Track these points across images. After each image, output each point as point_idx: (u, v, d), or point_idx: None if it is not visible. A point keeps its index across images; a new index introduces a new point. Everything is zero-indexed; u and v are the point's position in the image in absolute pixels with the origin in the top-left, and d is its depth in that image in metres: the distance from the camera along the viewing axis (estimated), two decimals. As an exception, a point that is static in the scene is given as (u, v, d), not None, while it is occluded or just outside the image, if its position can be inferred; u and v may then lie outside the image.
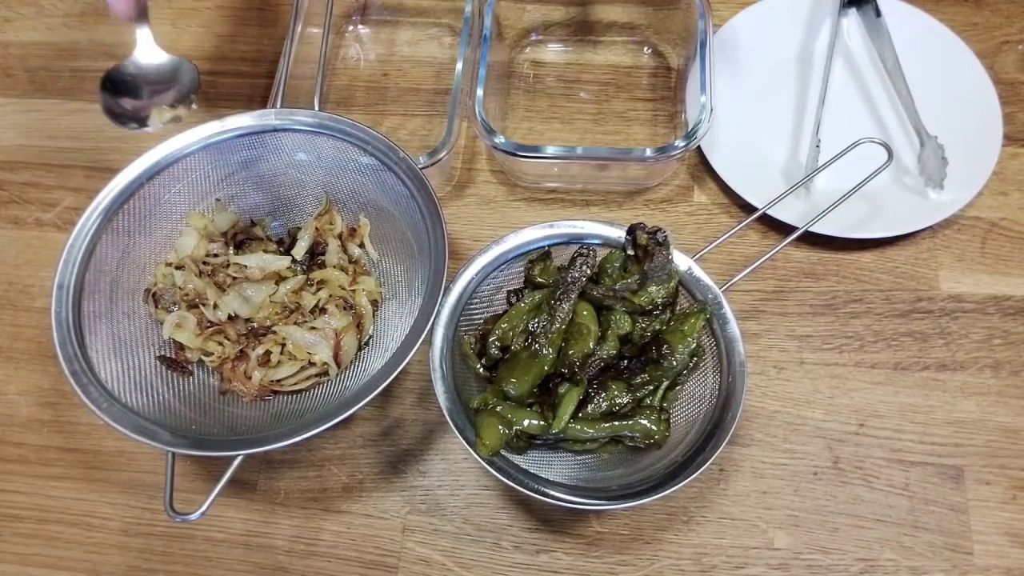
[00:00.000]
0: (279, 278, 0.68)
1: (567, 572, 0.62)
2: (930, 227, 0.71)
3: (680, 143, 0.67)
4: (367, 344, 0.68)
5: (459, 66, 0.73)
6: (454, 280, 0.62)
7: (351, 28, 0.86)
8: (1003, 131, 0.73)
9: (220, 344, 0.65)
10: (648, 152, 0.68)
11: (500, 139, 0.69)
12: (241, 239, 0.69)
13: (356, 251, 0.70)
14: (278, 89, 0.69)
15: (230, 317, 0.66)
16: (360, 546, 0.64)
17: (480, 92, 0.70)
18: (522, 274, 0.65)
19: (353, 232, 0.70)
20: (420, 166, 0.64)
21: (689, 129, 0.68)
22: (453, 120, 0.70)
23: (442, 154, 0.69)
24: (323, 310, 0.66)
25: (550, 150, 0.69)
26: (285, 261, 0.68)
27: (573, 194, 0.76)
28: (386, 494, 0.65)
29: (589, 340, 0.58)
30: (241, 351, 0.65)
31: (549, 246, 0.64)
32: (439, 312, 0.60)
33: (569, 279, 0.59)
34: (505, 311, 0.62)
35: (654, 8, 0.81)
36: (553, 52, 0.84)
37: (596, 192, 0.76)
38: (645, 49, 0.83)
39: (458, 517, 0.64)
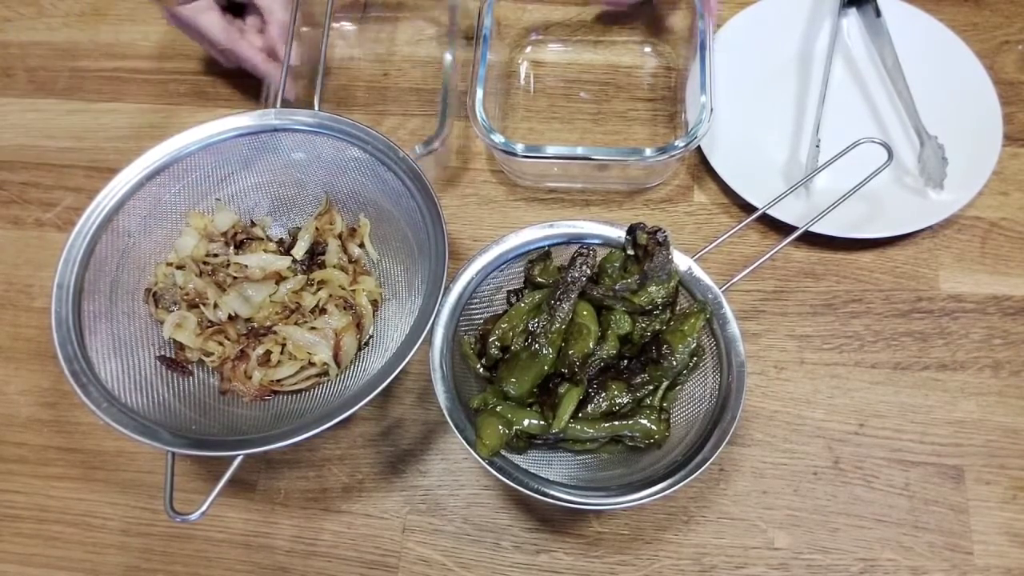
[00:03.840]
0: (279, 278, 0.68)
1: (567, 572, 0.62)
2: (930, 227, 0.71)
3: (680, 143, 0.67)
4: (367, 344, 0.68)
5: (448, 56, 0.73)
6: (454, 280, 0.62)
7: (351, 28, 0.86)
8: (1003, 131, 0.73)
9: (220, 344, 0.65)
10: (648, 152, 0.68)
11: (500, 139, 0.69)
12: (241, 239, 0.69)
13: (356, 251, 0.70)
14: (278, 89, 0.69)
15: (230, 317, 0.66)
16: (360, 546, 0.64)
17: (480, 92, 0.70)
18: (522, 274, 0.65)
19: (353, 232, 0.70)
20: (416, 156, 0.64)
21: (689, 129, 0.68)
22: (447, 107, 0.71)
23: (435, 143, 0.69)
24: (323, 310, 0.66)
25: (550, 150, 0.69)
26: (285, 261, 0.68)
27: (573, 194, 0.76)
28: (386, 494, 0.65)
29: (589, 340, 0.58)
30: (241, 351, 0.65)
31: (549, 246, 0.64)
32: (439, 312, 0.60)
33: (569, 279, 0.59)
34: (505, 311, 0.62)
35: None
36: (553, 52, 0.83)
37: (596, 192, 0.76)
38: (645, 49, 0.83)
39: (458, 517, 0.64)
